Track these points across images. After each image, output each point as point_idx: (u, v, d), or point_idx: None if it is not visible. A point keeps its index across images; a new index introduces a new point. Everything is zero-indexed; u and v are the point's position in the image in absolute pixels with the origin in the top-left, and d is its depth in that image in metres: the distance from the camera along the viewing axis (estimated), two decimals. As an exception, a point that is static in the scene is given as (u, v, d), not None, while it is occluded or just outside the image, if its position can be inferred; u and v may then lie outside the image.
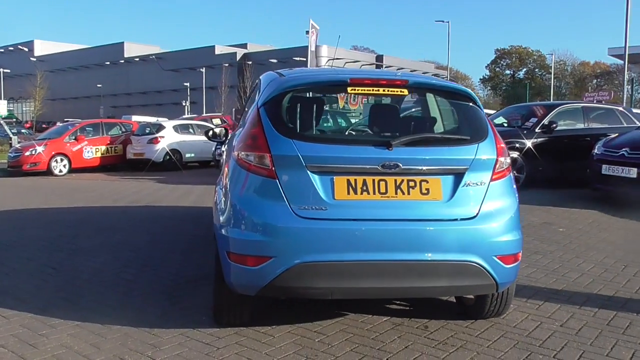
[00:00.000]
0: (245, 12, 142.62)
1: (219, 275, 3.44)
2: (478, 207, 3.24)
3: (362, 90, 3.54)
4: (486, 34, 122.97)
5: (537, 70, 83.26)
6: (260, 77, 4.52)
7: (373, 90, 3.55)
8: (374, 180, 3.17)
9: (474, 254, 3.17)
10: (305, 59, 51.68)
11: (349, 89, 3.51)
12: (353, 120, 8.86)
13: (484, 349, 3.34)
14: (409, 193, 3.17)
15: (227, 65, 54.28)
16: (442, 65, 75.77)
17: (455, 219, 3.19)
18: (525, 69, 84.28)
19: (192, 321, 3.74)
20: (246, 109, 4.50)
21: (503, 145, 3.43)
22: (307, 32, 36.77)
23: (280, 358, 3.22)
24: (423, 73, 64.92)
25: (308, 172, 3.15)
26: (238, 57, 58.15)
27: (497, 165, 3.34)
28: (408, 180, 3.18)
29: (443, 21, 47.78)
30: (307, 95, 3.72)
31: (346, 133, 3.72)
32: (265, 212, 3.14)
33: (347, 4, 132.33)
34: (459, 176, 3.25)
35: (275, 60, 53.40)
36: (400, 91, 3.50)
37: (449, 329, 3.65)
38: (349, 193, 3.15)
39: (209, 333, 3.54)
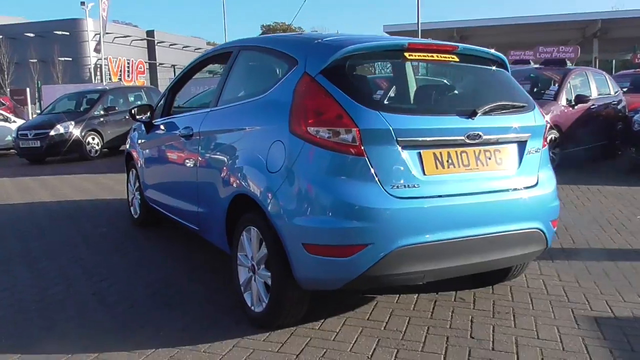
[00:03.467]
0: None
1: (280, 272, 3.02)
2: (536, 175, 3.31)
3: (417, 55, 3.31)
4: (251, 10, 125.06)
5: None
6: (251, 42, 3.99)
7: (427, 55, 3.35)
8: (456, 152, 3.04)
9: (538, 221, 3.25)
10: (67, 33, 47.68)
11: (406, 54, 3.27)
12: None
13: (537, 313, 3.46)
14: (486, 164, 3.12)
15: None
16: (212, 42, 75.40)
17: (523, 188, 3.21)
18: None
19: (228, 329, 3.24)
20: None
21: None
22: (83, 3, 33.87)
23: (371, 353, 2.96)
24: (195, 49, 64.20)
25: (398, 147, 2.89)
26: (-16, 31, 50.78)
27: (546, 132, 3.44)
28: (484, 151, 3.12)
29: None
30: (371, 61, 3.38)
31: (419, 102, 3.42)
32: (357, 195, 2.81)
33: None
34: (522, 144, 3.27)
35: (32, 35, 47.84)
36: (451, 57, 3.37)
37: (483, 297, 3.71)
38: (437, 168, 2.98)
39: (267, 340, 3.11)
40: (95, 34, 42.71)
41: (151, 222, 5.62)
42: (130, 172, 5.91)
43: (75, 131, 13.47)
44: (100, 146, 14.06)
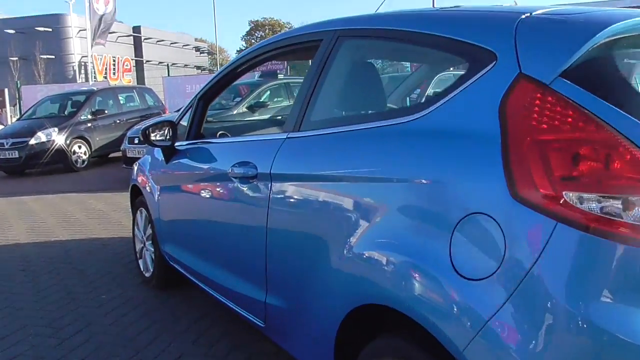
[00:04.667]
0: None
1: None
2: None
3: None
4: (238, 5, 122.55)
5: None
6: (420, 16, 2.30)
7: None
8: None
9: None
10: (49, 29, 45.58)
11: None
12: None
13: None
14: None
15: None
16: (200, 38, 73.30)
17: None
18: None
19: None
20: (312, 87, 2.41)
21: None
22: (67, -1, 31.84)
23: None
24: (183, 46, 61.97)
25: None
26: (-40, 27, 48.50)
27: None
28: None
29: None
30: (634, 51, 1.78)
31: None
32: None
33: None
34: None
35: (12, 31, 45.87)
36: None
37: None
38: None
39: None
40: (80, 30, 40.64)
41: (170, 283, 4.03)
42: (139, 213, 4.26)
43: (59, 139, 11.78)
44: (87, 155, 12.38)
